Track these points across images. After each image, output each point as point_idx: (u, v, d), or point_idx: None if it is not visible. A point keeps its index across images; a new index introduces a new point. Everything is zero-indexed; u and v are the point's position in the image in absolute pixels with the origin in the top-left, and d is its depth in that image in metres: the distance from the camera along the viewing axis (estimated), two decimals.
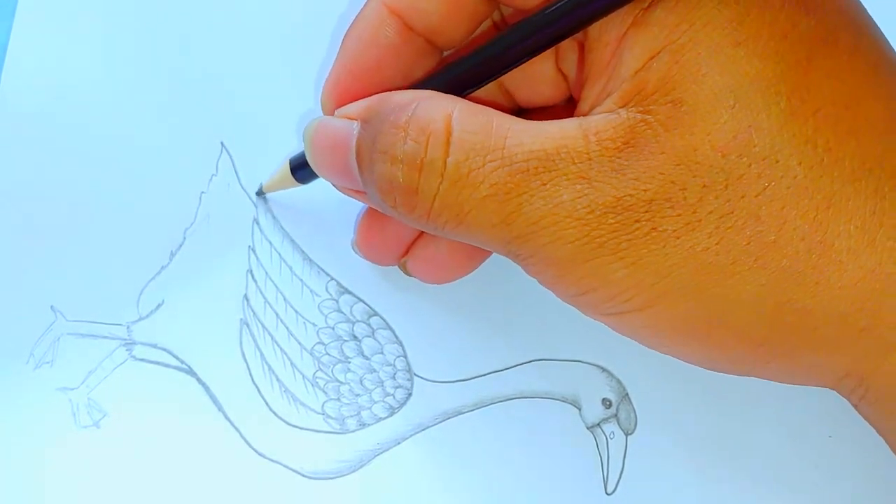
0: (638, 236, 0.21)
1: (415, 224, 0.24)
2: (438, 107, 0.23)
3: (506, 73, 0.24)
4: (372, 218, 0.29)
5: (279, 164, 0.30)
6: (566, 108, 0.28)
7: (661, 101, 0.21)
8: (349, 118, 0.25)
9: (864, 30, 0.23)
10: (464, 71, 0.24)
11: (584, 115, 0.23)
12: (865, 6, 0.24)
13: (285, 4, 0.34)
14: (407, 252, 0.29)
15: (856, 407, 0.24)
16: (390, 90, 0.25)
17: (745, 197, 0.21)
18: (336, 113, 0.25)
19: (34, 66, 0.33)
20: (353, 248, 0.31)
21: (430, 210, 0.23)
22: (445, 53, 0.27)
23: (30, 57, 0.33)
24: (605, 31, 0.23)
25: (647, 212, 0.21)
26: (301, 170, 0.29)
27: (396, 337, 0.31)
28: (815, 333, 0.22)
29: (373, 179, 0.24)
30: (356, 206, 0.30)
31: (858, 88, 0.21)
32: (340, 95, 0.26)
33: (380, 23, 0.25)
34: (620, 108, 0.22)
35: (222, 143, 0.32)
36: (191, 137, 0.32)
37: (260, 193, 0.32)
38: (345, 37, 0.26)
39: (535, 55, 0.23)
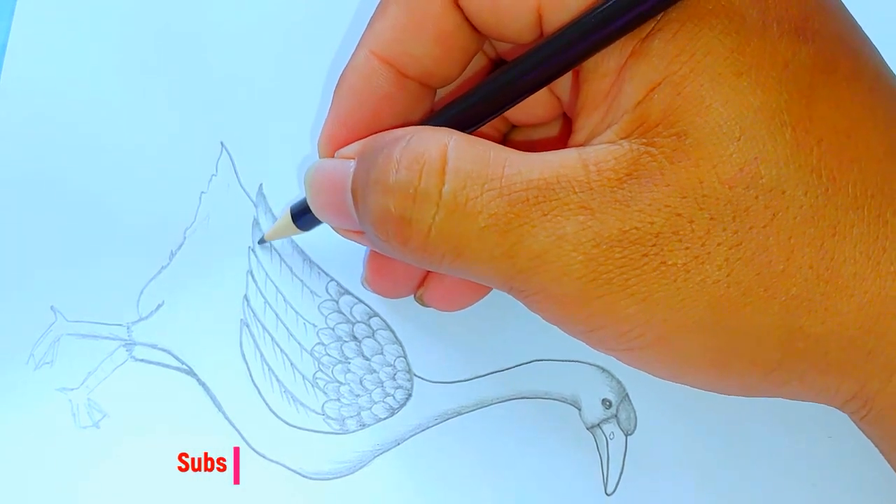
0: (647, 271, 0.21)
1: (411, 259, 0.23)
2: (433, 138, 0.22)
3: (503, 112, 0.24)
4: (379, 254, 0.28)
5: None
6: (559, 125, 0.28)
7: (665, 134, 0.21)
8: (346, 157, 0.24)
9: (863, 55, 0.23)
10: (461, 112, 0.24)
11: (581, 144, 0.22)
12: (865, 6, 0.24)
13: (286, 4, 0.34)
14: (421, 284, 0.29)
15: (857, 424, 0.24)
16: None
17: (752, 228, 0.21)
18: (335, 155, 0.25)
19: (34, 66, 0.33)
20: (362, 284, 0.30)
21: (426, 242, 0.22)
22: (440, 91, 0.27)
23: (29, 57, 0.33)
24: (603, 62, 0.22)
25: (654, 245, 0.21)
26: (302, 216, 0.28)
27: (396, 338, 0.31)
28: (825, 358, 0.22)
29: (367, 213, 0.23)
30: None
31: (858, 115, 0.21)
32: (337, 147, 0.25)
33: (371, 73, 0.25)
34: (622, 139, 0.21)
35: (222, 143, 0.32)
36: (191, 137, 0.32)
37: (261, 242, 0.31)
38: (336, 88, 0.26)
39: (535, 92, 0.23)
